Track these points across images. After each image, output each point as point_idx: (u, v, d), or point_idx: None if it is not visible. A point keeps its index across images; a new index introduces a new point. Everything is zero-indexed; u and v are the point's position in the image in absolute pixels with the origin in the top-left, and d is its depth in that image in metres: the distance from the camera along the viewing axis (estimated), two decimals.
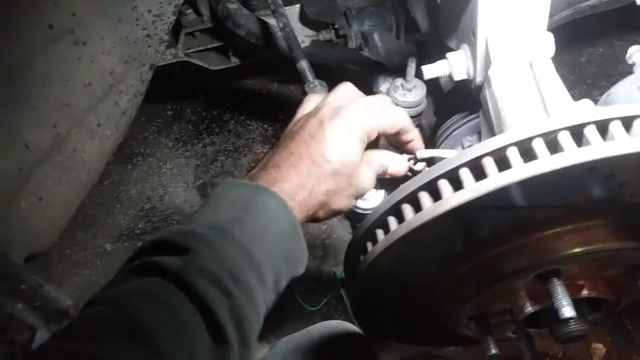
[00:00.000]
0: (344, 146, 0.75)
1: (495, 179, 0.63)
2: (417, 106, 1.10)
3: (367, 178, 0.79)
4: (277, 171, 0.73)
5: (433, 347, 1.55)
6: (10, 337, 0.79)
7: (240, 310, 0.61)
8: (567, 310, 0.70)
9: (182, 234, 0.64)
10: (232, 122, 2.15)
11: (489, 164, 0.65)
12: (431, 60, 0.92)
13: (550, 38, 0.81)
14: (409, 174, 0.89)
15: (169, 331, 0.57)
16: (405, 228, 0.68)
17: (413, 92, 1.09)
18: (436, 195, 0.67)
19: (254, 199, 0.69)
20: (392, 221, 0.72)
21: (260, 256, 0.66)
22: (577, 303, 0.76)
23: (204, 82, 2.19)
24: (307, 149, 0.75)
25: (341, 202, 0.79)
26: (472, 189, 0.63)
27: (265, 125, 2.11)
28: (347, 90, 0.83)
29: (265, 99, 2.17)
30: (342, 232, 1.86)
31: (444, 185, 0.67)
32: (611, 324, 0.88)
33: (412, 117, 1.13)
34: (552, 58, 0.81)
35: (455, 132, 0.96)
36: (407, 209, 0.70)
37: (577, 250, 0.72)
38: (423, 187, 0.69)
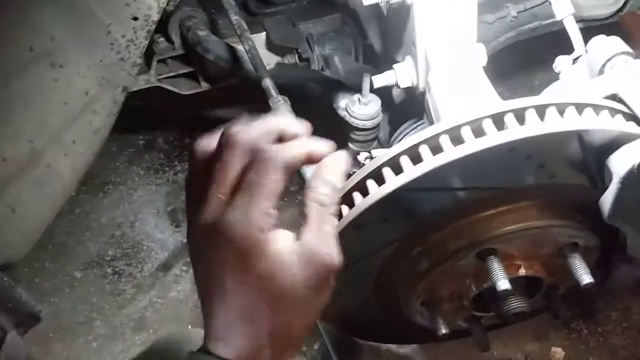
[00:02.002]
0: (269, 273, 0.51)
1: (430, 161, 0.72)
2: (373, 119, 1.20)
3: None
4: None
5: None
6: None
7: None
8: (503, 283, 0.78)
9: None
10: None
11: (424, 150, 0.74)
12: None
13: (481, 48, 0.92)
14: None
15: None
16: (354, 212, 0.76)
17: (369, 106, 1.19)
18: (381, 181, 0.75)
19: None
20: (343, 208, 0.79)
21: None
22: (516, 283, 0.84)
23: (176, 111, 2.26)
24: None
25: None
26: (411, 171, 0.72)
27: None
28: None
29: None
30: None
31: (387, 171, 0.75)
32: (549, 305, 0.96)
33: (369, 129, 1.22)
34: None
35: (406, 137, 1.05)
36: (357, 196, 0.78)
37: (510, 228, 0.80)
38: (369, 175, 0.77)
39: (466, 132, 0.72)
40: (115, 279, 1.87)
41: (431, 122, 0.94)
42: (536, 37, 1.24)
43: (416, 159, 0.73)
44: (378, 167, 0.75)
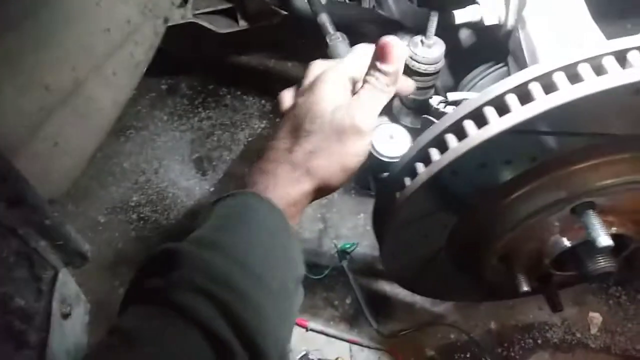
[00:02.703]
0: (315, 99, 0.74)
1: (544, 101, 0.64)
2: (436, 63, 1.11)
3: (358, 112, 0.73)
4: (250, 177, 0.73)
5: (452, 301, 1.54)
6: (37, 273, 0.77)
7: (232, 313, 0.58)
8: (605, 239, 0.72)
9: (162, 254, 0.63)
10: (229, 96, 2.13)
11: (535, 88, 0.66)
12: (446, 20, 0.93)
13: None
14: (432, 119, 0.90)
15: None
16: (451, 155, 0.69)
17: (433, 49, 1.09)
18: (481, 123, 0.68)
19: (232, 203, 0.69)
20: (434, 153, 0.72)
21: (248, 256, 0.63)
22: None
23: (199, 56, 2.16)
24: (277, 138, 0.75)
25: (332, 162, 0.73)
26: (522, 112, 0.64)
27: (263, 101, 2.10)
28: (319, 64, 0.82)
29: (262, 75, 2.16)
30: (342, 205, 1.86)
31: (490, 111, 0.68)
32: (632, 266, 0.90)
33: (430, 74, 1.13)
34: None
35: (481, 82, 0.97)
36: (451, 139, 0.70)
37: (614, 181, 0.73)
38: (468, 116, 0.69)
39: (585, 70, 0.64)
40: (141, 225, 1.82)
41: (521, 65, 0.85)
42: None
43: (525, 98, 0.66)
44: (479, 106, 0.68)
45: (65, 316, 0.76)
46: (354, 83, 0.78)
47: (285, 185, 0.71)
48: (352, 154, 0.73)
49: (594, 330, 1.60)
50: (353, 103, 0.73)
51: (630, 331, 1.58)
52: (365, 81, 0.73)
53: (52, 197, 0.97)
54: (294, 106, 0.77)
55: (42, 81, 0.91)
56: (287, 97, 0.83)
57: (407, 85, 0.86)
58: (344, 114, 0.72)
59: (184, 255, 0.61)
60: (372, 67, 0.73)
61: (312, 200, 0.76)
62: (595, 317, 1.61)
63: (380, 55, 0.71)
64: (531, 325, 1.61)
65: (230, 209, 0.69)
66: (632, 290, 1.64)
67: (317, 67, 0.82)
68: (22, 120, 0.88)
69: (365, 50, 0.80)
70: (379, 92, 0.73)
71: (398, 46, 0.70)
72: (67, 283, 0.78)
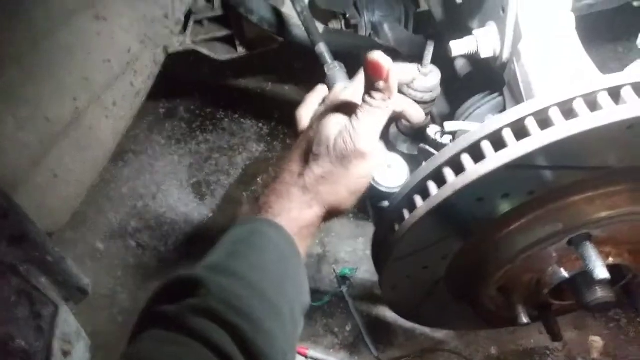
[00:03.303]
0: (322, 123, 0.76)
1: (540, 137, 0.65)
2: (432, 91, 1.12)
3: (358, 133, 0.73)
4: (264, 198, 0.75)
5: (453, 330, 1.54)
6: (37, 311, 0.77)
7: (247, 341, 0.60)
8: (602, 272, 0.72)
9: (178, 281, 0.64)
10: (226, 120, 2.14)
11: (531, 124, 0.67)
12: (443, 50, 0.95)
13: (572, 17, 0.85)
14: (429, 148, 0.91)
15: None
16: (449, 190, 0.69)
17: (429, 77, 1.11)
18: (478, 157, 0.69)
19: (246, 229, 0.71)
20: (432, 186, 0.73)
21: (261, 282, 0.65)
22: None
23: (197, 80, 2.18)
24: (291, 160, 0.77)
25: (339, 186, 0.74)
26: (518, 147, 0.65)
27: (260, 124, 2.11)
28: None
29: (259, 98, 2.17)
30: (341, 229, 1.86)
31: (487, 146, 0.68)
32: (630, 295, 0.90)
33: (427, 102, 1.14)
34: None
35: (477, 112, 0.98)
36: (449, 173, 0.71)
37: (611, 212, 0.74)
38: (465, 150, 0.70)
39: (579, 106, 0.65)
40: (140, 252, 1.81)
41: (516, 96, 0.86)
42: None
43: (521, 133, 0.67)
44: (476, 141, 0.69)
45: (66, 354, 0.75)
46: (356, 105, 0.78)
47: (297, 209, 0.73)
48: (358, 177, 0.75)
49: (595, 355, 1.59)
50: (353, 126, 0.73)
51: (632, 354, 1.57)
52: (363, 101, 0.74)
53: (52, 230, 0.98)
54: (309, 129, 0.79)
55: (43, 113, 0.92)
56: (304, 116, 0.85)
57: (417, 112, 0.87)
58: (346, 138, 0.73)
59: (201, 282, 0.62)
60: (366, 87, 0.73)
61: (324, 222, 0.78)
62: (596, 341, 1.60)
63: (370, 72, 0.71)
64: (532, 350, 1.60)
65: (244, 235, 0.70)
66: (632, 312, 1.63)
67: (335, 92, 0.84)
68: (23, 153, 0.88)
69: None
70: (376, 110, 0.73)
71: (386, 60, 0.69)
72: (67, 320, 0.78)
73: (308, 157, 0.75)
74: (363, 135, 0.73)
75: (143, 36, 1.10)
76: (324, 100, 0.87)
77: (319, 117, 0.79)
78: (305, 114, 0.85)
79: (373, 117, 0.73)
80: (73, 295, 0.84)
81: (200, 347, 0.58)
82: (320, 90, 0.91)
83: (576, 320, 1.61)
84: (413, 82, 1.13)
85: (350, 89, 0.80)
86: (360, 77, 0.80)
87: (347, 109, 0.76)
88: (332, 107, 0.78)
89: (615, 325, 1.61)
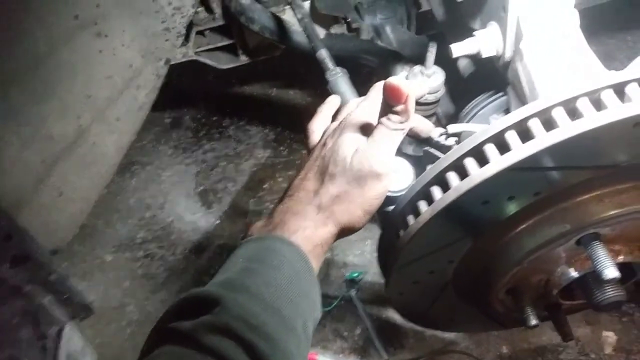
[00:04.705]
0: (339, 142, 0.76)
1: (544, 138, 0.64)
2: (436, 92, 1.12)
3: (374, 154, 0.73)
4: (279, 215, 0.75)
5: (463, 332, 1.53)
6: (42, 331, 0.77)
7: (261, 356, 0.60)
8: (611, 271, 0.71)
9: (194, 298, 0.65)
10: (232, 127, 2.14)
11: (535, 125, 0.66)
12: (446, 49, 0.94)
13: (575, 14, 0.84)
14: (433, 151, 0.90)
15: None
16: (453, 194, 0.69)
17: (433, 78, 1.10)
18: (482, 160, 0.68)
19: (260, 246, 0.71)
20: (436, 191, 0.72)
21: (276, 300, 0.65)
22: None
23: (202, 89, 2.19)
24: (305, 179, 0.77)
25: (354, 206, 0.74)
26: (522, 150, 0.65)
27: (266, 130, 2.12)
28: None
29: (264, 105, 2.18)
30: None
31: (490, 149, 0.68)
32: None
33: (431, 103, 1.14)
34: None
35: (481, 112, 0.98)
36: (453, 177, 0.70)
37: (619, 211, 0.73)
38: (469, 153, 0.69)
39: (584, 105, 0.65)
40: (147, 262, 1.82)
41: (519, 95, 0.86)
42: None
43: (525, 134, 0.66)
44: (480, 143, 0.68)
45: None
46: (371, 124, 0.78)
47: (312, 227, 0.73)
48: (373, 197, 0.75)
49: (608, 350, 1.57)
50: (369, 147, 0.74)
51: None
52: (379, 122, 0.75)
53: (58, 247, 0.98)
54: (323, 146, 0.79)
55: (47, 132, 0.92)
56: (316, 130, 0.85)
57: (426, 127, 0.86)
58: (362, 158, 0.74)
59: (217, 299, 0.62)
60: (384, 108, 0.74)
61: (337, 239, 0.78)
62: (609, 336, 1.58)
63: (389, 96, 0.72)
64: (544, 347, 1.59)
65: (258, 252, 0.70)
66: None
67: (349, 107, 0.84)
68: (27, 173, 0.89)
69: (380, 90, 0.81)
70: (392, 132, 0.74)
71: (406, 85, 0.71)
72: (72, 338, 0.78)
73: (324, 176, 0.75)
74: (379, 157, 0.73)
75: (145, 51, 1.10)
76: (336, 113, 0.87)
77: (334, 134, 0.79)
78: (317, 127, 0.85)
79: (389, 138, 0.74)
80: (78, 313, 0.84)
81: None
82: (332, 102, 0.91)
83: (588, 315, 1.59)
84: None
85: (365, 106, 0.79)
86: (374, 94, 0.80)
87: (363, 128, 0.76)
88: (347, 125, 0.77)
89: (628, 319, 1.60)
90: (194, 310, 0.63)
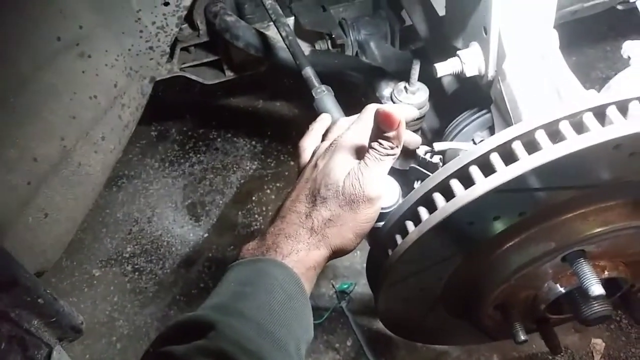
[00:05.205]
0: (330, 165, 0.76)
1: (528, 161, 0.65)
2: (420, 108, 1.13)
3: (366, 179, 0.73)
4: (271, 237, 0.75)
5: (452, 345, 1.54)
6: (30, 356, 0.76)
7: None
8: (597, 288, 0.72)
9: (187, 322, 0.65)
10: (219, 139, 2.14)
11: (518, 147, 0.67)
12: (430, 64, 0.95)
13: (555, 34, 0.85)
14: (421, 169, 0.91)
15: None
16: (439, 215, 0.69)
17: (417, 94, 1.12)
18: (468, 182, 0.69)
19: (253, 269, 0.71)
20: (422, 211, 0.73)
21: (270, 324, 0.66)
22: None
23: (188, 101, 2.18)
24: (296, 201, 0.77)
25: (346, 229, 0.75)
26: (506, 172, 0.65)
27: (253, 142, 2.11)
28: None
29: (251, 116, 2.18)
30: None
31: (475, 170, 0.69)
32: (629, 305, 0.91)
33: (416, 119, 1.15)
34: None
35: (465, 129, 0.98)
36: (439, 198, 0.71)
37: (603, 229, 0.74)
38: (454, 175, 0.70)
39: (565, 128, 0.66)
40: (136, 276, 1.80)
41: (503, 114, 0.87)
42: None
43: (509, 157, 0.67)
44: (464, 165, 0.69)
45: None
46: (363, 147, 0.78)
47: (304, 250, 0.73)
48: (364, 220, 0.75)
49: (597, 357, 1.59)
50: (361, 171, 0.74)
51: (634, 356, 1.57)
52: (370, 146, 0.75)
53: (45, 269, 0.97)
54: (314, 167, 0.79)
55: (31, 154, 0.91)
56: (307, 148, 0.85)
57: (414, 140, 0.88)
58: (355, 183, 0.74)
59: (210, 323, 0.62)
60: (375, 133, 0.74)
61: (328, 262, 0.78)
62: (598, 344, 1.60)
63: (381, 122, 0.72)
64: (535, 355, 1.60)
65: (251, 276, 0.71)
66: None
67: (339, 127, 0.84)
68: (12, 195, 0.88)
69: (372, 114, 0.79)
70: (384, 157, 0.74)
71: (398, 113, 0.71)
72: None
73: (315, 198, 0.75)
74: (371, 181, 0.73)
75: (129, 70, 1.10)
76: (326, 132, 0.87)
77: (324, 155, 0.79)
78: (308, 145, 0.86)
79: (380, 162, 0.74)
80: (67, 334, 0.83)
81: None
82: (324, 120, 0.92)
83: (576, 323, 1.60)
84: (400, 100, 1.14)
85: (356, 129, 0.79)
86: (366, 117, 0.80)
87: (355, 151, 0.77)
88: (338, 147, 0.77)
89: (616, 326, 1.61)
90: (187, 334, 0.63)
